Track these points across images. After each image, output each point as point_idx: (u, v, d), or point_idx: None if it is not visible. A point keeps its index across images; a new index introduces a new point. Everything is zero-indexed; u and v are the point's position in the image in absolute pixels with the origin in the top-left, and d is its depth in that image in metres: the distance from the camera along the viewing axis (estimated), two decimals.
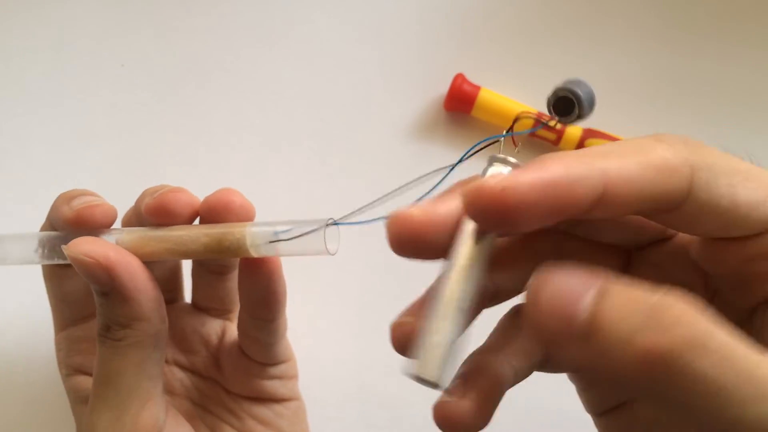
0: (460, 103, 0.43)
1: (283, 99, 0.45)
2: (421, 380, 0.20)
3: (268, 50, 0.46)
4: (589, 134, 0.43)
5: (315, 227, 0.26)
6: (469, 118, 0.45)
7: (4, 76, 0.44)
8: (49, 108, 0.44)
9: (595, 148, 0.21)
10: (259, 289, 0.30)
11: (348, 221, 0.26)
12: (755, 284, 0.22)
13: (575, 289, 0.18)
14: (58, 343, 0.34)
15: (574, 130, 0.43)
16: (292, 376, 0.36)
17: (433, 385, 0.20)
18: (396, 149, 0.44)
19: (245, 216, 0.29)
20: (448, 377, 0.20)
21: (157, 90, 0.45)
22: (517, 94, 0.44)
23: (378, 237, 0.44)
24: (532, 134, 0.44)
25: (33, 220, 0.42)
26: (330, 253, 0.26)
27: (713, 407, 0.17)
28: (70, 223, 0.29)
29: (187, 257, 0.28)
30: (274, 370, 0.34)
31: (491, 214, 0.19)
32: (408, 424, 0.40)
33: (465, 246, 0.21)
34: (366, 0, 0.46)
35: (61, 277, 0.32)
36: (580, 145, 0.43)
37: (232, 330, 0.35)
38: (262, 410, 0.34)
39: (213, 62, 0.45)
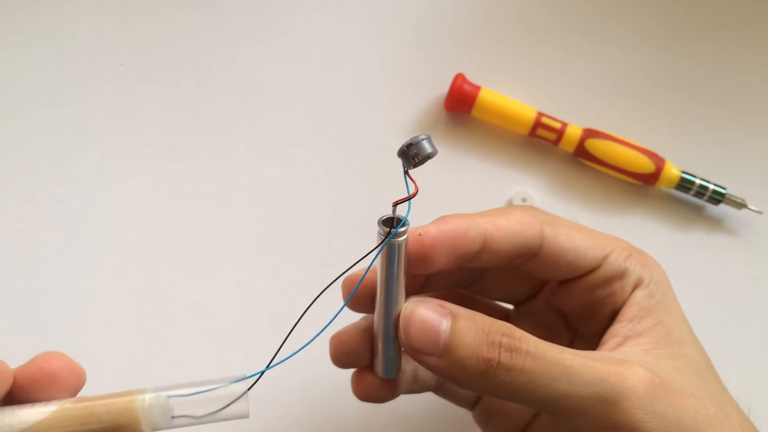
0: (460, 103, 0.43)
1: (282, 99, 0.45)
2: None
3: (267, 50, 0.46)
4: (589, 134, 0.43)
5: (228, 388, 0.23)
6: (469, 118, 0.45)
7: (4, 76, 0.44)
8: (49, 108, 0.44)
9: (474, 213, 0.29)
10: None
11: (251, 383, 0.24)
12: (598, 310, 0.31)
13: (435, 317, 0.26)
14: None
15: (575, 130, 0.43)
16: None
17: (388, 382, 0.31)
18: (396, 149, 0.44)
19: (76, 383, 0.24)
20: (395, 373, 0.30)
21: (157, 90, 0.45)
22: (517, 94, 0.44)
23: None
24: (533, 134, 0.44)
25: (33, 219, 0.42)
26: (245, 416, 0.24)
27: (534, 392, 0.25)
28: None
29: None
30: None
31: (412, 254, 0.27)
32: (408, 424, 0.40)
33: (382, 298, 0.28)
34: (366, 0, 0.46)
35: None
36: (581, 144, 0.43)
37: None
38: None
39: (213, 62, 0.45)
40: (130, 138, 0.44)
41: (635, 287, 0.30)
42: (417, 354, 0.26)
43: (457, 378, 0.26)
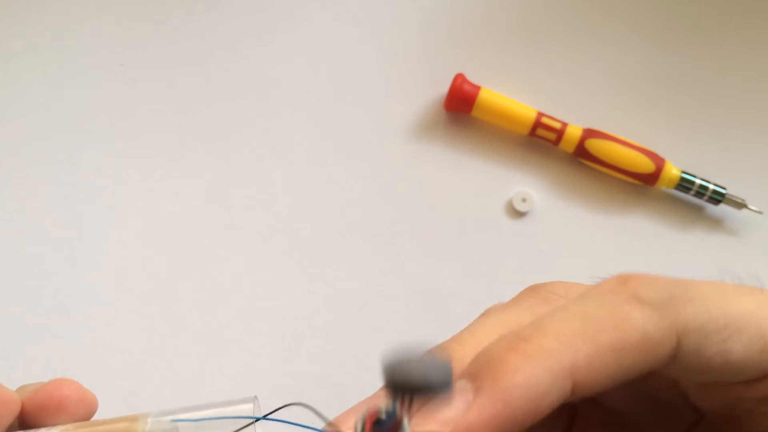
0: (460, 103, 0.43)
1: (283, 99, 0.45)
2: None
3: (267, 50, 0.46)
4: (589, 134, 0.43)
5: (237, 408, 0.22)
6: (469, 118, 0.45)
7: (4, 76, 0.44)
8: (48, 108, 0.44)
9: (560, 317, 0.17)
10: None
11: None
12: (749, 419, 0.20)
13: None
14: None
15: (575, 130, 0.43)
16: None
17: None
18: (396, 149, 0.44)
19: (86, 412, 0.23)
20: None
21: (157, 90, 0.44)
22: (517, 94, 0.44)
23: (380, 238, 0.44)
24: (533, 134, 0.44)
25: (33, 219, 0.42)
26: None
27: None
28: None
29: None
30: None
31: None
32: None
33: None
34: (366, 0, 0.46)
35: None
36: (581, 144, 0.43)
37: None
38: None
39: (213, 62, 0.45)
40: (130, 138, 0.44)
41: None
42: None
43: None
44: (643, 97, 0.46)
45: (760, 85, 0.46)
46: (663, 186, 0.44)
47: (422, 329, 0.41)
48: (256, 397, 0.22)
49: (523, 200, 0.44)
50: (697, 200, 0.44)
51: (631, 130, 0.44)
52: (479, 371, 0.16)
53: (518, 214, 0.44)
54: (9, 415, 0.22)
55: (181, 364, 0.41)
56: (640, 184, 0.44)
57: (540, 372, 0.16)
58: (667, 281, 0.18)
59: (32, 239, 0.42)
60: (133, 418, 0.22)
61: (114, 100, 0.44)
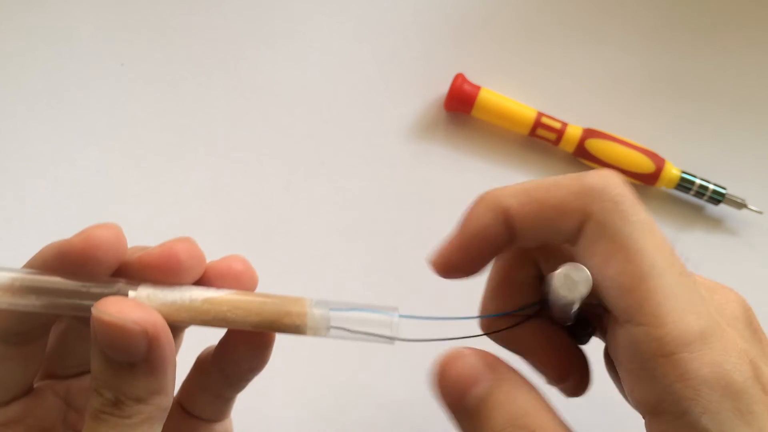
0: (460, 103, 0.43)
1: (283, 99, 0.45)
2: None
3: (268, 50, 0.46)
4: (589, 134, 0.43)
5: (381, 315, 0.26)
6: (469, 118, 0.45)
7: (4, 76, 0.44)
8: (48, 108, 0.44)
9: (525, 182, 0.24)
10: (252, 357, 0.28)
11: (415, 316, 0.27)
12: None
13: (472, 374, 0.23)
14: None
15: (575, 130, 0.43)
16: None
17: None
18: (396, 149, 0.44)
19: (250, 285, 0.27)
20: None
21: (157, 90, 0.45)
22: (517, 94, 0.44)
23: (379, 238, 0.44)
24: (533, 134, 0.44)
25: (33, 219, 0.42)
26: (390, 342, 0.26)
27: None
28: (74, 249, 0.25)
29: (221, 328, 0.26)
30: (220, 426, 0.31)
31: None
32: (408, 424, 0.40)
33: None
34: (366, 0, 0.46)
35: (3, 358, 0.26)
36: (581, 144, 0.43)
37: None
38: None
39: (213, 62, 0.45)
40: (131, 138, 0.44)
41: None
42: (444, 405, 0.23)
43: None
44: (643, 97, 0.46)
45: (761, 85, 0.46)
46: (663, 186, 0.44)
47: (422, 329, 0.41)
48: (396, 308, 0.26)
49: None
50: (697, 200, 0.44)
51: (631, 130, 0.44)
52: None
53: None
54: (199, 266, 0.26)
55: (182, 362, 0.41)
56: (640, 184, 0.44)
57: (484, 211, 0.24)
58: (629, 201, 0.22)
59: (32, 239, 0.42)
60: (298, 297, 0.26)
61: (114, 100, 0.44)
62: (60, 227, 0.42)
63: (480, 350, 0.23)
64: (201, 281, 0.26)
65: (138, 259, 0.26)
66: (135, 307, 0.23)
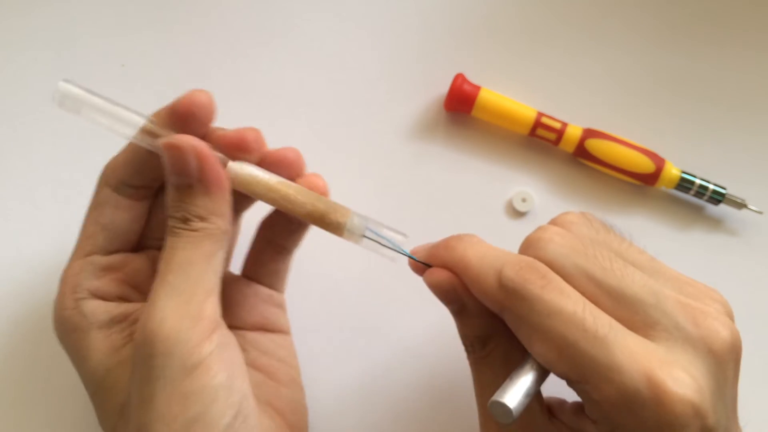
0: (460, 103, 0.43)
1: (282, 99, 0.45)
2: (501, 406, 0.27)
3: (267, 50, 0.46)
4: (589, 134, 0.43)
5: (402, 236, 0.33)
6: (469, 118, 0.45)
7: (4, 76, 0.44)
8: (49, 108, 0.44)
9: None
10: (296, 228, 0.36)
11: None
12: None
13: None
14: (73, 268, 0.33)
15: (575, 130, 0.43)
16: (286, 310, 0.38)
17: (507, 413, 0.27)
18: (396, 149, 0.44)
19: (208, 115, 0.32)
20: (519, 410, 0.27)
21: (157, 90, 0.45)
22: (517, 94, 0.44)
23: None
24: (533, 134, 0.44)
25: (33, 219, 0.42)
26: (394, 257, 0.33)
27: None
28: (181, 106, 0.32)
29: (281, 209, 0.32)
30: (279, 297, 0.37)
31: None
32: (408, 424, 0.40)
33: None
34: (366, 0, 0.46)
35: (116, 207, 0.33)
36: (581, 144, 0.43)
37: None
38: (264, 341, 0.36)
39: (213, 62, 0.45)
40: None
41: None
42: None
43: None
44: (643, 97, 0.46)
45: (761, 86, 0.46)
46: (663, 186, 0.44)
47: (422, 329, 0.41)
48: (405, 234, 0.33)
49: (523, 200, 0.44)
50: (697, 200, 0.44)
51: (631, 130, 0.44)
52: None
53: (518, 214, 0.44)
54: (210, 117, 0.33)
55: None
56: (640, 184, 0.44)
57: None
58: (537, 290, 0.28)
59: (32, 239, 0.42)
60: (345, 206, 0.33)
61: (114, 100, 0.44)
62: (61, 228, 0.42)
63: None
64: (260, 164, 0.33)
65: (218, 136, 0.32)
66: (191, 138, 0.30)
